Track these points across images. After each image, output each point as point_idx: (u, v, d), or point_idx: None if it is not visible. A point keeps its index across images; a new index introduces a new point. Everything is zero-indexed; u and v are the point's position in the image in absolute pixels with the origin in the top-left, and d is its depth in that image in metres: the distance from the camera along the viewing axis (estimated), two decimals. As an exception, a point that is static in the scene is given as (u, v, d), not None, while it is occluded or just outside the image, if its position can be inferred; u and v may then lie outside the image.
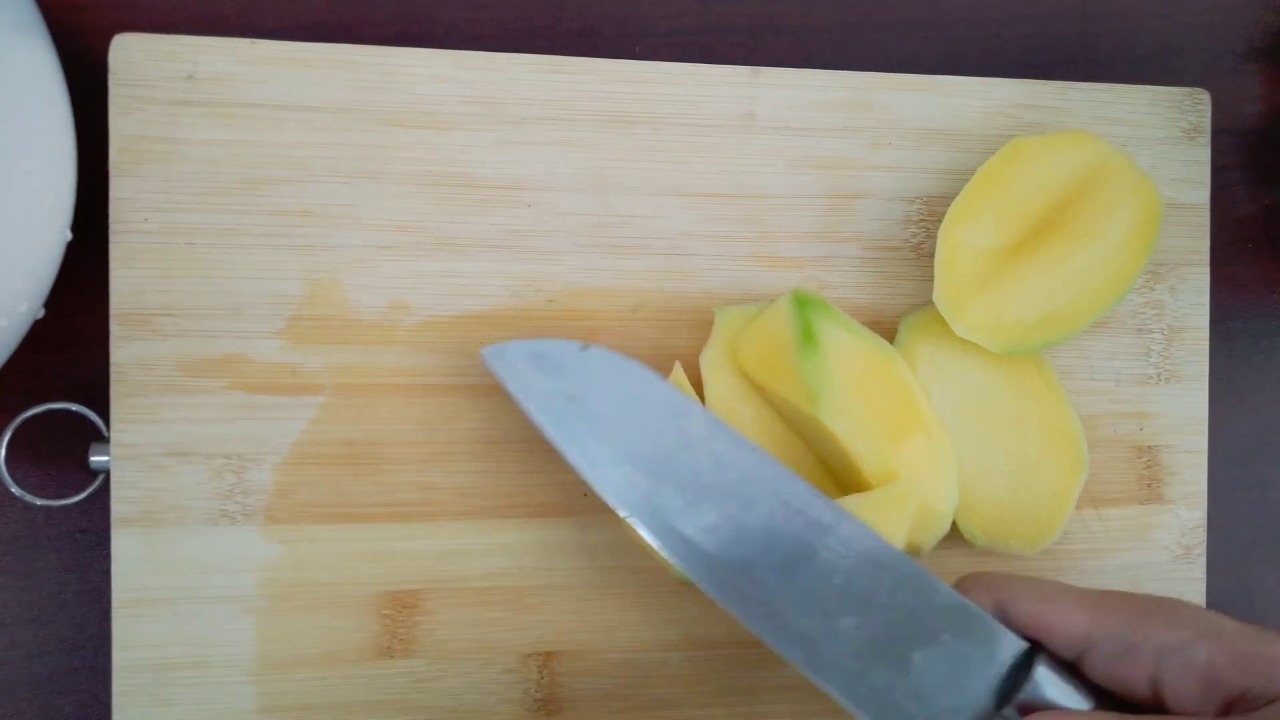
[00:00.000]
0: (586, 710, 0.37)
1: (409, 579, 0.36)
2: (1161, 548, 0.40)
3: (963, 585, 0.31)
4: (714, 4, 0.41)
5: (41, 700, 0.37)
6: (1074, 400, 0.40)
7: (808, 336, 0.34)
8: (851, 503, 0.34)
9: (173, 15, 0.37)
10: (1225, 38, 0.44)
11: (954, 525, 0.37)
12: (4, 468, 0.35)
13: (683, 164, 0.38)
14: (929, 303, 0.39)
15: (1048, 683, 0.29)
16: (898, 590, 0.30)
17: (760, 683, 0.38)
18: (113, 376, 0.34)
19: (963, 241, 0.37)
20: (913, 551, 0.36)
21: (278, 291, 0.35)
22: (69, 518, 0.37)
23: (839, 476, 0.36)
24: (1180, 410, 0.41)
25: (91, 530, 0.37)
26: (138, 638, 0.34)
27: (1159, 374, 0.41)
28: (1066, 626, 0.29)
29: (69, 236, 0.33)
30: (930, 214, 0.39)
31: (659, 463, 0.32)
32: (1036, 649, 0.30)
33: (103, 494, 0.36)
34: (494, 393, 0.37)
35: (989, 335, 0.36)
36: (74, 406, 0.35)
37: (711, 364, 0.36)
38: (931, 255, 0.39)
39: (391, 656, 0.36)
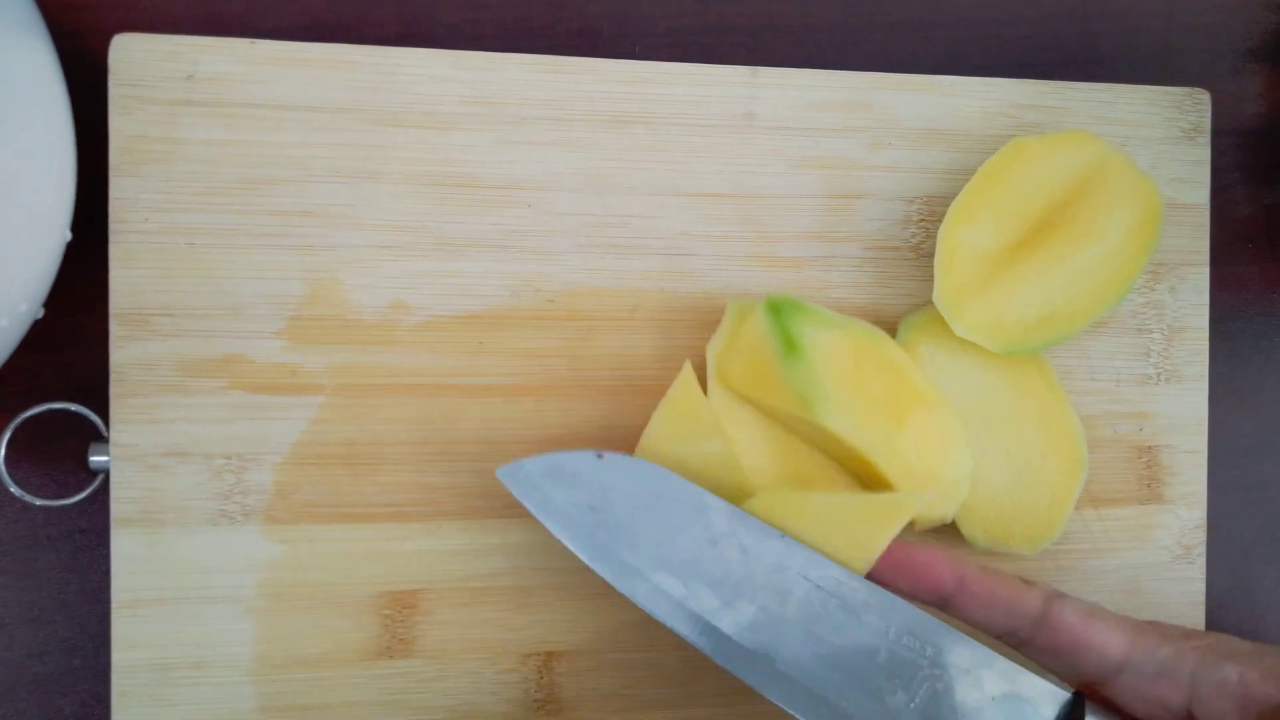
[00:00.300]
0: (586, 710, 0.37)
1: (409, 579, 0.36)
2: (1161, 548, 0.40)
3: (1021, 583, 0.31)
4: (714, 4, 0.41)
5: (41, 700, 0.37)
6: (1074, 400, 0.40)
7: (789, 345, 0.34)
8: (843, 509, 0.34)
9: (173, 15, 0.37)
10: (1225, 38, 0.44)
11: (954, 526, 0.37)
12: (4, 468, 0.35)
13: (682, 164, 0.38)
14: (929, 303, 0.39)
15: None
16: (938, 659, 0.30)
17: (760, 683, 0.38)
18: (112, 376, 0.34)
19: (963, 241, 0.37)
20: (937, 524, 0.36)
21: (278, 291, 0.35)
22: (69, 518, 0.37)
23: (851, 469, 0.36)
24: (1180, 410, 0.41)
25: (91, 530, 0.37)
26: (137, 638, 0.34)
27: (1159, 374, 0.41)
28: (1108, 641, 0.30)
29: (69, 236, 0.33)
30: (930, 214, 0.39)
31: (689, 565, 0.31)
32: (1079, 696, 0.30)
33: (102, 494, 0.36)
34: (494, 393, 0.37)
35: (989, 335, 0.36)
36: (74, 406, 0.35)
37: (719, 355, 0.36)
38: (931, 255, 0.39)
39: (391, 656, 0.36)
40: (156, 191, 0.35)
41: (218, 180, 0.35)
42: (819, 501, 0.33)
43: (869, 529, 0.32)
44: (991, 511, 0.38)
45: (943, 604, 0.31)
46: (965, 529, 0.38)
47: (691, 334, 0.38)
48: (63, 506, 0.36)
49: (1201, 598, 0.41)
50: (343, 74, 0.36)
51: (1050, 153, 0.38)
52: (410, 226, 0.36)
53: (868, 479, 0.36)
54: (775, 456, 0.36)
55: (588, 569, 0.37)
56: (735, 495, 0.36)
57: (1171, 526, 0.41)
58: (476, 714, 0.36)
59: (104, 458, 0.35)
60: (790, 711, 0.30)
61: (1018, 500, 0.38)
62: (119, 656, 0.34)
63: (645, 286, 0.37)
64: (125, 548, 0.34)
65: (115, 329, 0.34)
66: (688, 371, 0.35)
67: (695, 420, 0.35)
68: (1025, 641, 0.31)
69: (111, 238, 0.34)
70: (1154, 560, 0.40)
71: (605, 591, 0.37)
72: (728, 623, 0.31)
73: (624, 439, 0.37)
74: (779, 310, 0.35)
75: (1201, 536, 0.41)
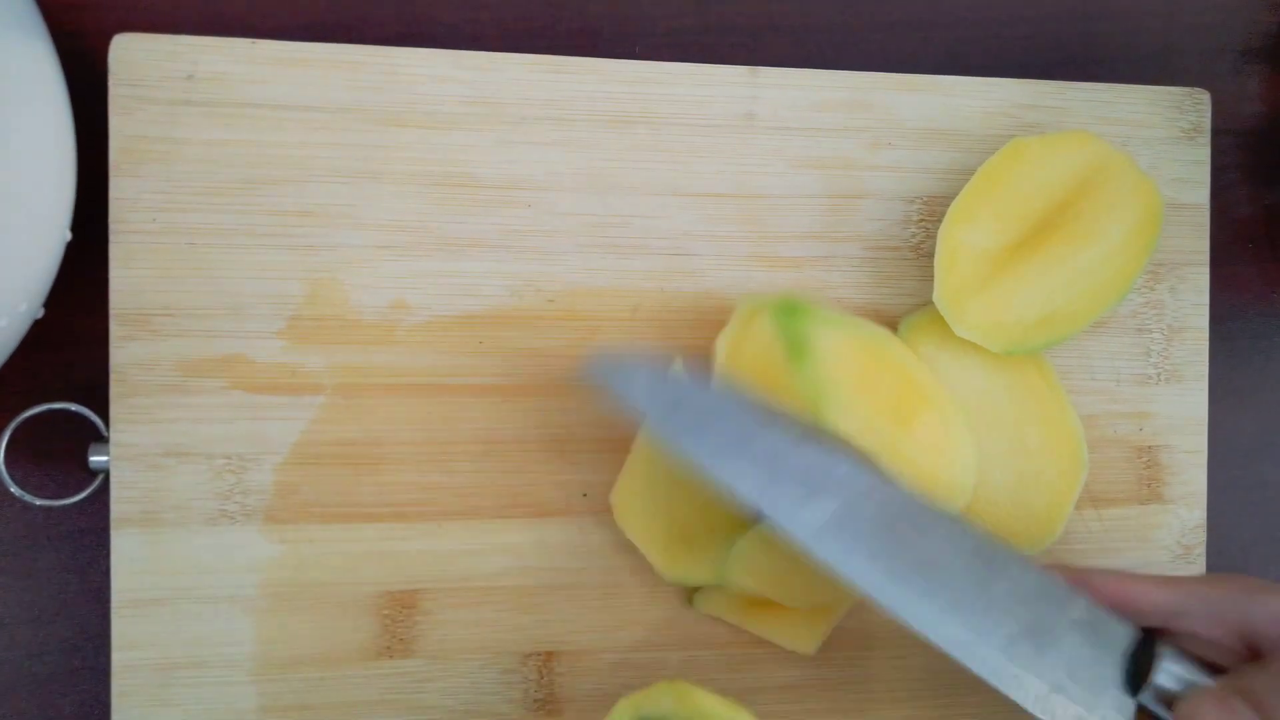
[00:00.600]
0: (586, 710, 0.37)
1: (409, 579, 0.36)
2: (1161, 548, 0.40)
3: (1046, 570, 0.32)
4: (714, 4, 0.41)
5: (41, 700, 0.37)
6: (1074, 400, 0.40)
7: (796, 347, 0.34)
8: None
9: (173, 15, 0.37)
10: (1225, 38, 0.44)
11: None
12: (4, 468, 0.35)
13: (683, 164, 0.38)
14: (929, 303, 0.39)
15: (1175, 664, 0.30)
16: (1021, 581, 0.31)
17: (759, 683, 0.38)
18: (112, 376, 0.34)
19: (963, 241, 0.37)
20: None
21: (278, 291, 0.35)
22: (69, 518, 0.37)
23: None
24: (1180, 410, 0.41)
25: (91, 530, 0.37)
26: (138, 638, 0.34)
27: (1159, 374, 0.41)
28: (1149, 595, 0.31)
29: (69, 236, 0.33)
30: (930, 214, 0.39)
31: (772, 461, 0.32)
32: (1151, 634, 0.31)
33: (103, 494, 0.36)
34: (494, 393, 0.37)
35: (989, 335, 0.36)
36: (74, 406, 0.35)
37: (730, 346, 0.36)
38: (931, 255, 0.39)
39: (391, 656, 0.36)
40: (156, 191, 0.35)
41: (218, 180, 0.35)
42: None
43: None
44: (992, 511, 0.38)
45: None
46: (965, 529, 0.38)
47: (692, 334, 0.38)
48: (63, 506, 0.36)
49: (1201, 598, 0.41)
50: (343, 74, 0.36)
51: (1051, 153, 0.38)
52: (411, 226, 0.36)
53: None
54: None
55: (588, 569, 0.37)
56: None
57: (1171, 526, 0.41)
58: (476, 714, 0.36)
59: (104, 458, 0.35)
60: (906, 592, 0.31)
61: (1018, 500, 0.38)
62: (119, 656, 0.34)
63: (646, 286, 0.37)
64: (125, 548, 0.34)
65: (115, 329, 0.34)
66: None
67: None
68: None
69: (111, 238, 0.34)
70: (1154, 560, 0.40)
71: (605, 591, 0.37)
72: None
73: (624, 439, 0.37)
74: (786, 312, 0.35)
75: (1201, 536, 0.41)
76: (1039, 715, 0.30)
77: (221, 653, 0.35)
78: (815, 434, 0.33)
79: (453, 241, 0.36)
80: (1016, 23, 0.43)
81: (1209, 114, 0.41)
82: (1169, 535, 0.41)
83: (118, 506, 0.34)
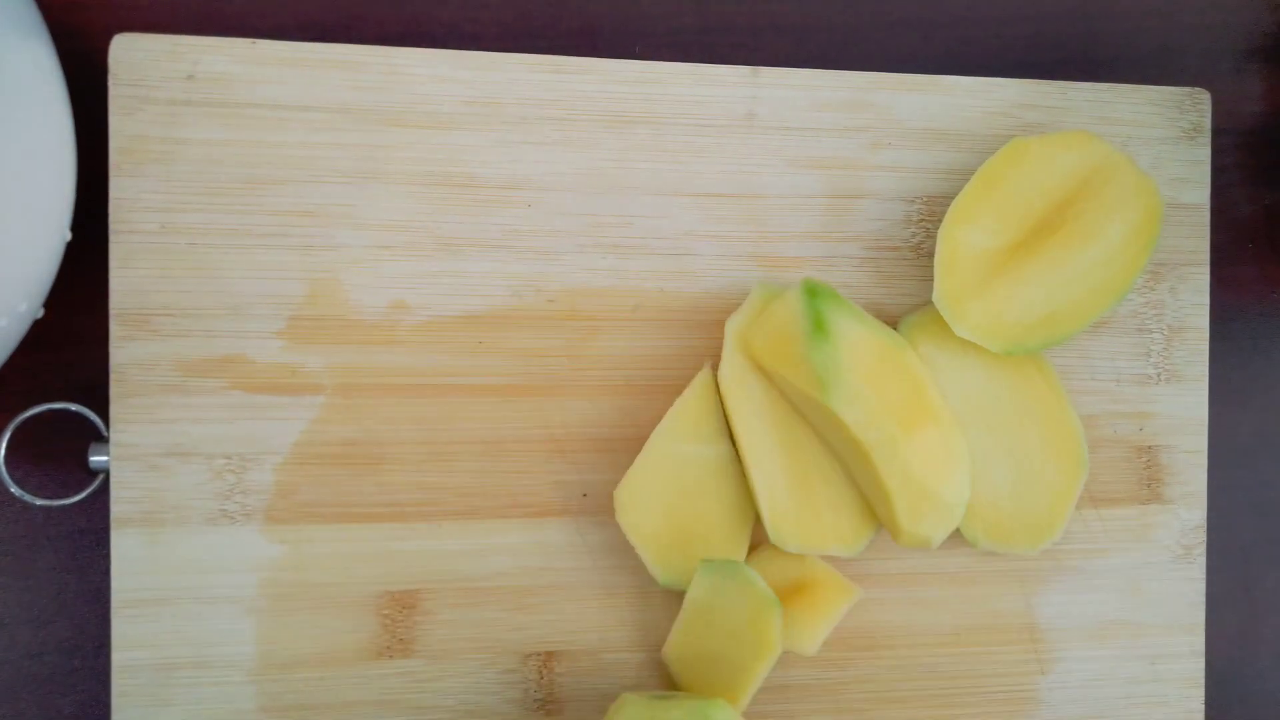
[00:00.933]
0: (586, 710, 0.37)
1: (409, 579, 0.36)
2: (1161, 548, 0.40)
3: None
4: (714, 4, 0.41)
5: (41, 700, 0.37)
6: (1074, 400, 0.40)
7: (818, 326, 0.34)
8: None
9: (173, 15, 0.37)
10: (1225, 38, 0.44)
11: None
12: (4, 468, 0.35)
13: (683, 164, 0.38)
14: (929, 303, 0.39)
15: None
16: None
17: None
18: (112, 376, 0.34)
19: (963, 241, 0.37)
20: (921, 545, 0.36)
21: (278, 291, 0.35)
22: (69, 518, 0.37)
23: (851, 468, 0.36)
24: (1180, 410, 0.41)
25: (91, 530, 0.37)
26: (137, 638, 0.34)
27: (1159, 374, 0.41)
28: None
29: (69, 236, 0.33)
30: (930, 214, 0.39)
31: None
32: None
33: (102, 494, 0.36)
34: (494, 393, 0.37)
35: (989, 336, 0.36)
36: (74, 406, 0.35)
37: (742, 327, 0.36)
38: (931, 255, 0.39)
39: (391, 656, 0.36)
40: (156, 191, 0.35)
41: (218, 180, 0.35)
42: None
43: None
44: (992, 512, 0.38)
45: None
46: (966, 529, 0.38)
47: (693, 333, 0.38)
48: (63, 506, 0.36)
49: (1201, 598, 0.41)
50: (343, 74, 0.36)
51: (1051, 153, 0.38)
52: (411, 226, 0.36)
53: (868, 485, 0.36)
54: (780, 455, 0.36)
55: (588, 569, 0.37)
56: (737, 499, 0.37)
57: (1171, 526, 0.41)
58: (476, 714, 0.36)
59: (104, 458, 0.35)
60: None
61: (1018, 500, 0.38)
62: (119, 656, 0.34)
63: (646, 286, 0.37)
64: (125, 548, 0.34)
65: (115, 329, 0.34)
66: (705, 374, 0.36)
67: (706, 422, 0.36)
68: None
69: (111, 238, 0.34)
70: (1154, 560, 0.40)
71: (605, 591, 0.37)
72: None
73: (624, 439, 0.37)
74: (815, 293, 0.35)
75: (1201, 537, 0.41)
76: None
77: (221, 653, 0.35)
78: None
79: (453, 241, 0.36)
80: (1016, 22, 0.43)
81: (1209, 114, 0.41)
82: (1169, 535, 0.41)
83: (118, 506, 0.34)
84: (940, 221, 0.37)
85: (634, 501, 0.36)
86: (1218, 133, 0.42)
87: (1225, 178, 0.44)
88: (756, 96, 0.38)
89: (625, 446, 0.37)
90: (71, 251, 0.34)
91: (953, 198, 0.38)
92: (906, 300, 0.39)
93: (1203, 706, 0.41)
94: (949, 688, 0.39)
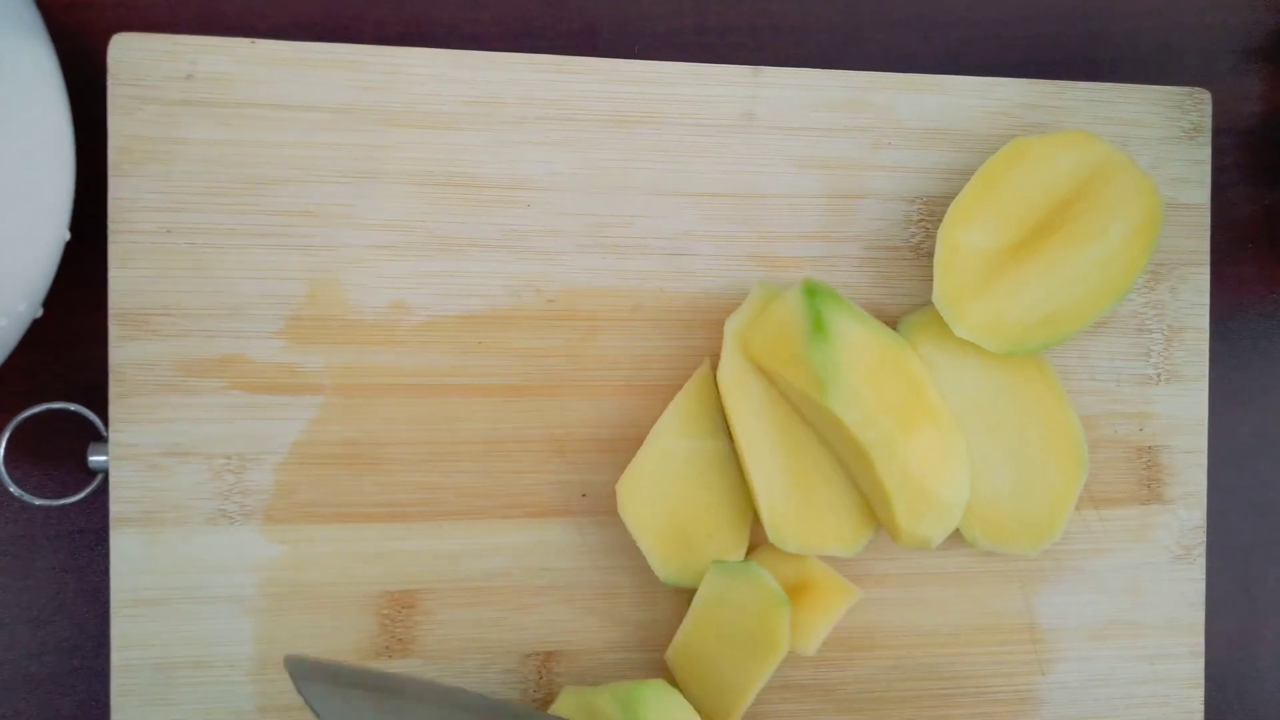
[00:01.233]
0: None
1: (409, 579, 0.36)
2: (1161, 548, 0.40)
3: None
4: (714, 4, 0.41)
5: (41, 700, 0.37)
6: (1074, 400, 0.40)
7: (818, 326, 0.34)
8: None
9: (172, 15, 0.37)
10: (1225, 38, 0.44)
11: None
12: (3, 468, 0.35)
13: (683, 164, 0.38)
14: (929, 303, 0.39)
15: None
16: None
17: (760, 683, 0.38)
18: (111, 376, 0.34)
19: (963, 241, 0.37)
20: (920, 545, 0.36)
21: (278, 291, 0.35)
22: (68, 518, 0.37)
23: (851, 469, 0.36)
24: (1180, 410, 0.41)
25: (91, 530, 0.37)
26: (137, 638, 0.34)
27: (1159, 374, 0.41)
28: None
29: (68, 236, 0.33)
30: (930, 214, 0.39)
31: None
32: None
33: (102, 494, 0.36)
34: (494, 393, 0.37)
35: (989, 336, 0.36)
36: (73, 406, 0.35)
37: (741, 326, 0.36)
38: (931, 255, 0.39)
39: (391, 656, 0.36)
40: (156, 191, 0.35)
41: (218, 180, 0.35)
42: None
43: None
44: (992, 512, 0.38)
45: None
46: (965, 529, 0.38)
47: (693, 333, 0.38)
48: (62, 506, 0.36)
49: (1201, 598, 0.41)
50: (343, 74, 0.36)
51: (1051, 153, 0.38)
52: (411, 226, 0.36)
53: (867, 485, 0.36)
54: (780, 455, 0.36)
55: (587, 569, 0.37)
56: (737, 495, 0.37)
57: (1171, 527, 0.41)
58: (476, 714, 0.36)
59: (103, 458, 0.35)
60: None
61: (1018, 501, 0.38)
62: (119, 656, 0.34)
63: (646, 286, 0.37)
64: (125, 548, 0.34)
65: (115, 329, 0.34)
66: (704, 369, 0.36)
67: (706, 417, 0.36)
68: None
69: (111, 238, 0.34)
70: (1154, 560, 0.40)
71: (605, 591, 0.37)
72: None
73: (624, 439, 0.37)
74: (815, 293, 0.35)
75: (1201, 537, 0.41)
76: None
77: (221, 652, 0.35)
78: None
79: (453, 241, 0.36)
80: (1016, 22, 0.43)
81: (1209, 114, 0.41)
82: (1169, 535, 0.41)
83: (117, 506, 0.34)
84: (940, 221, 0.37)
85: (636, 495, 0.36)
86: (1218, 132, 0.42)
87: (1225, 177, 0.44)
88: (756, 96, 0.38)
89: (625, 446, 0.37)
90: (71, 251, 0.34)
91: (953, 198, 0.38)
92: (906, 300, 0.39)
93: (1202, 706, 0.41)
94: (949, 688, 0.39)
